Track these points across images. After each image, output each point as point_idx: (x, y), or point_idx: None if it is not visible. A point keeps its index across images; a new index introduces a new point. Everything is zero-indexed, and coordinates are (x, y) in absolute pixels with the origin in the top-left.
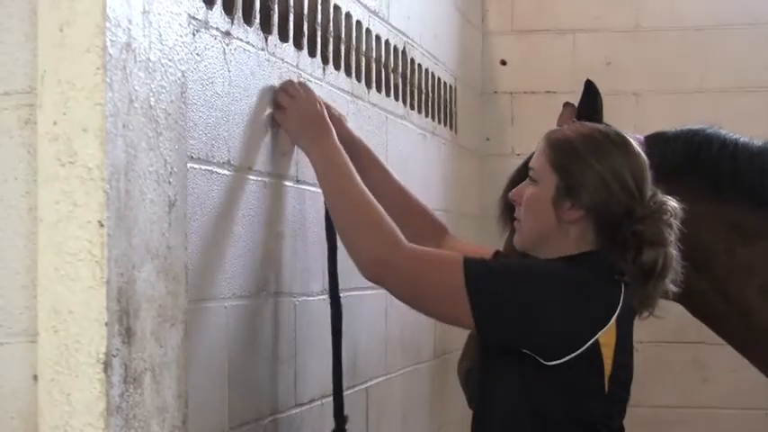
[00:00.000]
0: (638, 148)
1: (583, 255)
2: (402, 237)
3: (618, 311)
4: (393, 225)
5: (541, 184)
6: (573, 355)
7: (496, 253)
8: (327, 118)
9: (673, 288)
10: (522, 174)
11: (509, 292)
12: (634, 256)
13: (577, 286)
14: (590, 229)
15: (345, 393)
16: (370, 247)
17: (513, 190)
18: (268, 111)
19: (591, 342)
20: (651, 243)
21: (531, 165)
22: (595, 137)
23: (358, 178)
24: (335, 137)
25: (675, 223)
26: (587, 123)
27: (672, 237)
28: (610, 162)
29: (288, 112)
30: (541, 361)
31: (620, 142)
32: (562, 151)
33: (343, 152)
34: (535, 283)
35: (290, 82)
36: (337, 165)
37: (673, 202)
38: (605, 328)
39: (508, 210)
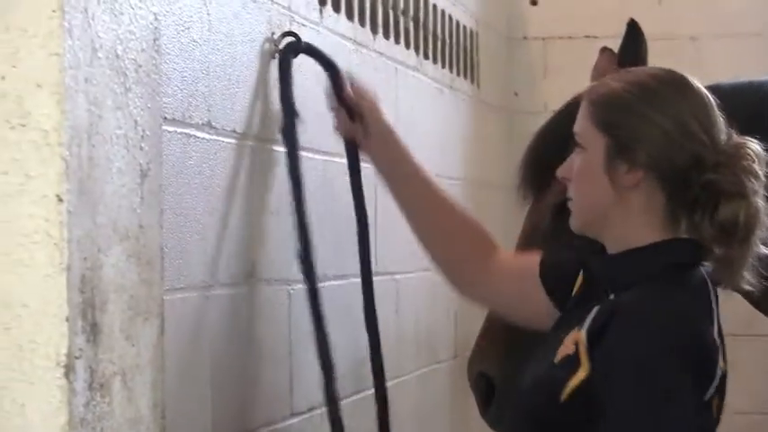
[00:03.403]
0: (700, 86)
1: (655, 250)
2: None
3: (715, 320)
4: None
5: (589, 150)
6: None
7: (542, 262)
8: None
9: (764, 250)
10: (548, 137)
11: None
12: (711, 215)
13: (690, 348)
14: (655, 194)
15: (350, 400)
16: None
17: (562, 166)
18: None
19: (718, 373)
20: (729, 194)
21: (574, 130)
22: (645, 81)
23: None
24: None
25: (758, 169)
26: (633, 69)
27: (755, 185)
28: (666, 108)
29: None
30: None
31: (675, 82)
32: (606, 106)
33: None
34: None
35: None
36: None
37: (754, 145)
38: (720, 348)
39: (530, 178)
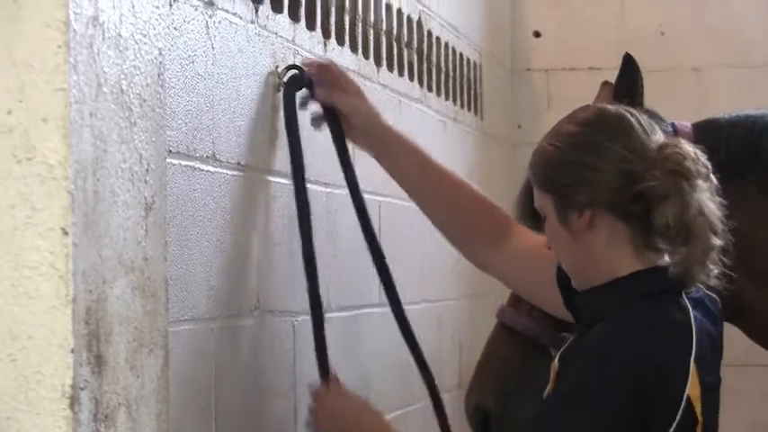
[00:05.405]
0: (620, 112)
1: (632, 282)
2: None
3: (693, 352)
4: None
5: (548, 214)
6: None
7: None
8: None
9: (717, 242)
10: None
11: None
12: (652, 224)
13: (644, 368)
14: (615, 226)
15: None
16: None
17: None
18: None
19: (682, 406)
20: (658, 198)
21: (535, 204)
22: (565, 129)
23: None
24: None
25: (689, 166)
26: (570, 116)
27: (685, 183)
28: (587, 145)
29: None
30: None
31: (593, 119)
32: (539, 167)
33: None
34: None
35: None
36: None
37: (683, 144)
38: (689, 381)
39: (526, 215)
